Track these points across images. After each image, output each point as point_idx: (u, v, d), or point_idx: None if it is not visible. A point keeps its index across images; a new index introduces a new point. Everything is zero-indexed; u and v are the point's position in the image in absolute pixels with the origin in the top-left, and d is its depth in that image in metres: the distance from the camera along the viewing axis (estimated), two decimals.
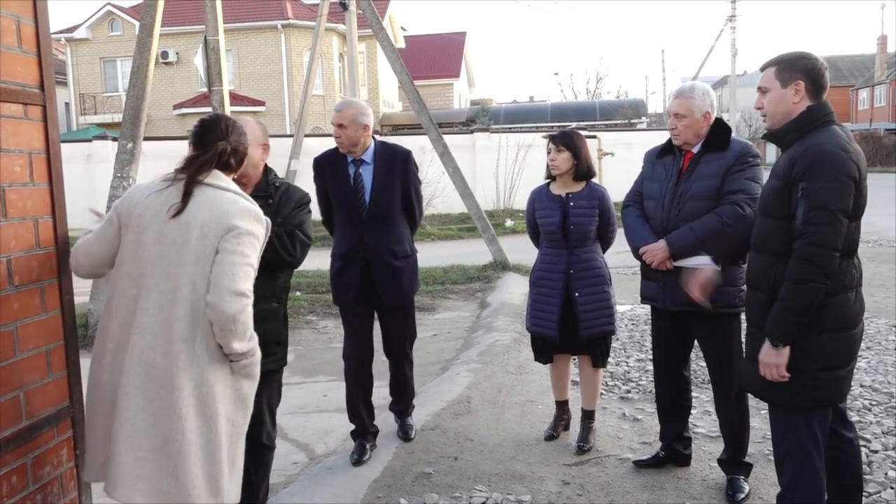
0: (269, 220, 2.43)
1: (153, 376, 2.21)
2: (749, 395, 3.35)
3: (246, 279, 2.24)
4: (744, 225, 3.25)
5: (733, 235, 3.29)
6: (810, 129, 2.59)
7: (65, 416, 2.51)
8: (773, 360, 2.57)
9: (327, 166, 3.97)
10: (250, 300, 2.25)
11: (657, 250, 3.38)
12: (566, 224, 3.89)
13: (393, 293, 3.95)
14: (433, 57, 36.60)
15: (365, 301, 3.97)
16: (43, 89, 2.45)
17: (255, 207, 2.38)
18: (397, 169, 3.93)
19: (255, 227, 2.33)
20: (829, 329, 2.57)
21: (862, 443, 3.88)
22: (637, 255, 3.51)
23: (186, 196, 2.32)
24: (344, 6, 16.36)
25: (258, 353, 2.37)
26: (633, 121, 28.17)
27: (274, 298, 3.04)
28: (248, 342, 2.29)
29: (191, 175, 2.36)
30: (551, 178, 4.03)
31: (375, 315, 4.11)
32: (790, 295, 2.52)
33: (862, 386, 4.88)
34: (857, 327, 2.65)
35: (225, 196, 2.35)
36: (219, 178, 2.39)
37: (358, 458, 3.91)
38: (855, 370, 5.03)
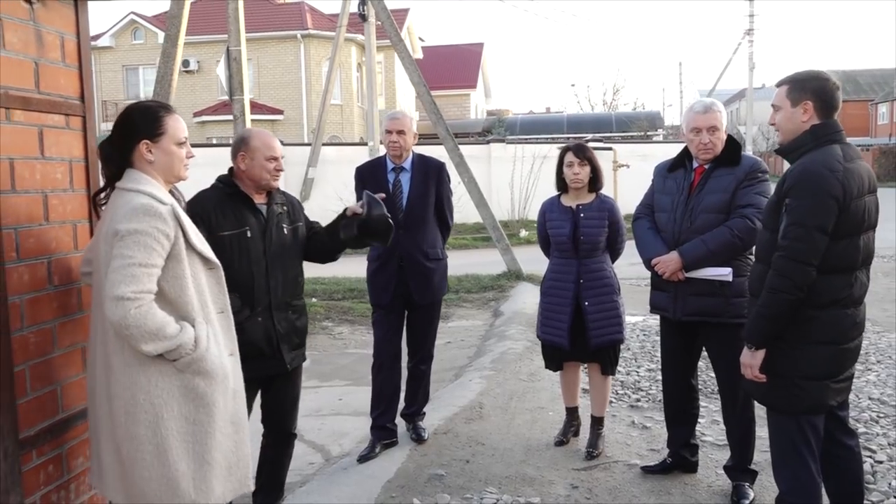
0: (174, 204, 2.28)
1: (104, 385, 2.24)
2: (756, 404, 3.44)
3: (130, 281, 2.11)
4: (753, 238, 3.35)
5: (743, 248, 3.40)
6: (810, 148, 2.69)
7: None
8: (748, 361, 2.77)
9: (368, 174, 4.24)
10: (136, 302, 2.11)
11: (669, 261, 3.48)
12: (576, 235, 4.00)
13: (424, 291, 4.16)
14: (450, 67, 36.84)
15: (398, 302, 4.17)
16: (83, 100, 2.60)
17: (147, 201, 2.21)
18: (432, 177, 4.20)
19: (140, 223, 2.16)
20: (815, 341, 2.67)
21: (868, 453, 3.96)
22: (648, 266, 3.61)
23: (97, 206, 2.41)
24: (363, 17, 16.53)
25: (202, 347, 2.24)
26: (649, 133, 28.17)
27: (303, 293, 3.34)
28: (164, 341, 2.16)
29: (100, 187, 2.41)
30: (563, 189, 4.14)
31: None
32: (763, 302, 2.68)
33: (871, 398, 4.93)
34: (849, 342, 2.72)
35: (124, 199, 2.24)
36: (131, 178, 2.30)
37: (364, 456, 4.04)
38: (864, 383, 5.18)
